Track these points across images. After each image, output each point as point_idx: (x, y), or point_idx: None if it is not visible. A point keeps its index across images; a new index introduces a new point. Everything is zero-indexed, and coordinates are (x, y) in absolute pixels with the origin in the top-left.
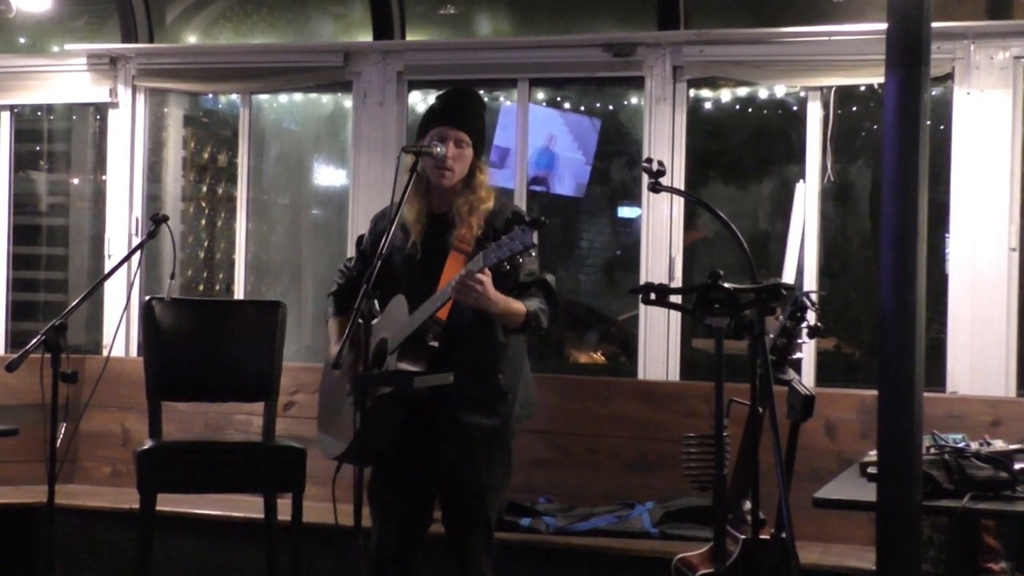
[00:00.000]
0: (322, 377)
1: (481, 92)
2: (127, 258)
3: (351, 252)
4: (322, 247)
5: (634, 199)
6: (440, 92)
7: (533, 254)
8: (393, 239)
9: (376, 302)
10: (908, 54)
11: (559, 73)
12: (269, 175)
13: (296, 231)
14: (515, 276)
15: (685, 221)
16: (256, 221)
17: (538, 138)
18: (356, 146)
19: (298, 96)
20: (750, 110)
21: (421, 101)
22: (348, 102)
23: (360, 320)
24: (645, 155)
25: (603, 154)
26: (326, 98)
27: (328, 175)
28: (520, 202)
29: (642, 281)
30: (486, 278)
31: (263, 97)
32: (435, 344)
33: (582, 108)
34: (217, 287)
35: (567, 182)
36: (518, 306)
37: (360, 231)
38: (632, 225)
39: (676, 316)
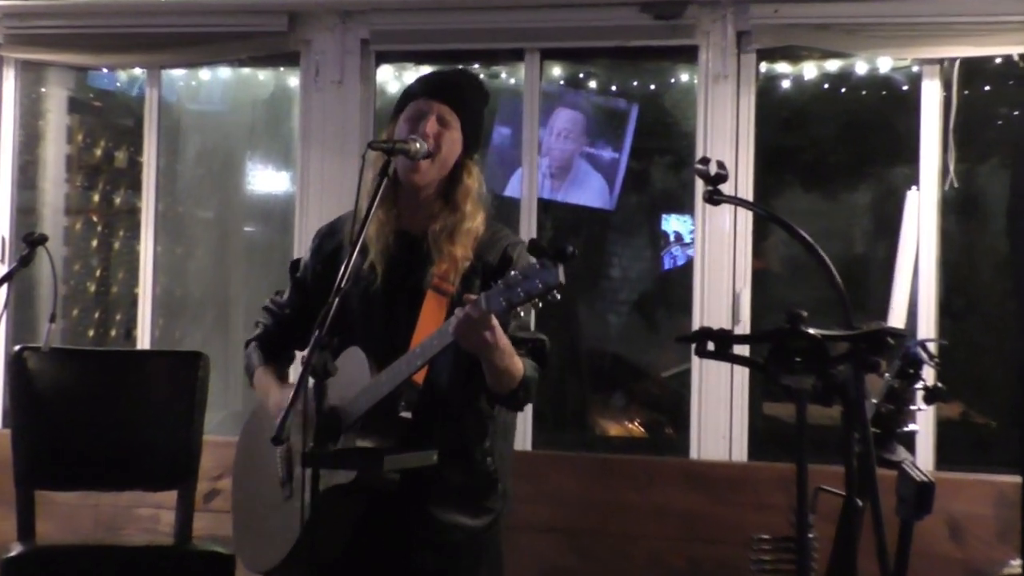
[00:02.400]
0: (239, 457)
1: (476, 67)
2: None
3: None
4: (258, 277)
5: (683, 212)
6: (423, 74)
7: (559, 296)
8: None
9: (329, 357)
10: None
11: (580, 41)
12: (186, 179)
13: (223, 255)
14: (508, 324)
15: (754, 243)
16: (168, 242)
17: (552, 129)
18: (305, 141)
19: (226, 73)
20: (842, 91)
21: (394, 79)
22: (294, 81)
23: (312, 378)
24: (699, 153)
25: (641, 151)
26: (264, 75)
27: (267, 180)
28: (528, 216)
29: (695, 325)
30: (496, 324)
31: (177, 74)
32: (407, 415)
33: (612, 88)
34: (114, 332)
35: (591, 189)
36: (519, 365)
37: (300, 251)
38: (680, 248)
39: (742, 373)
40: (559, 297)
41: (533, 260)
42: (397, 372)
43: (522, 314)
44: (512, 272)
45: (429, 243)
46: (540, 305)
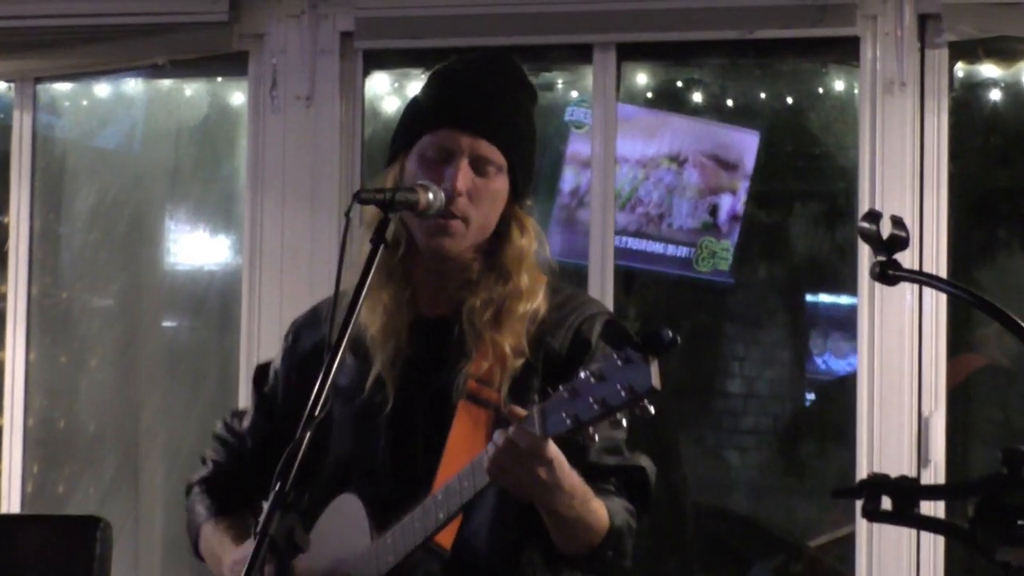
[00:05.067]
0: None
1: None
2: None
3: (243, 400)
4: (185, 398)
5: (840, 290)
6: (439, 67)
7: (652, 410)
8: (338, 376)
9: (298, 522)
10: None
11: (678, 32)
12: (74, 249)
13: (131, 365)
14: (582, 447)
15: (950, 337)
16: (46, 345)
17: (636, 160)
18: (256, 189)
19: (135, 87)
20: None
21: (391, 92)
22: (239, 97)
23: (272, 552)
24: (863, 203)
25: (771, 197)
26: (193, 90)
27: (198, 249)
28: (603, 286)
29: (860, 469)
30: (556, 453)
31: (60, 90)
32: None
33: (727, 104)
34: None
35: (693, 247)
36: (598, 510)
37: (263, 354)
38: (835, 344)
39: (935, 543)
40: (652, 411)
41: (612, 352)
42: (411, 531)
43: (613, 432)
44: (581, 372)
45: (464, 327)
46: (624, 423)
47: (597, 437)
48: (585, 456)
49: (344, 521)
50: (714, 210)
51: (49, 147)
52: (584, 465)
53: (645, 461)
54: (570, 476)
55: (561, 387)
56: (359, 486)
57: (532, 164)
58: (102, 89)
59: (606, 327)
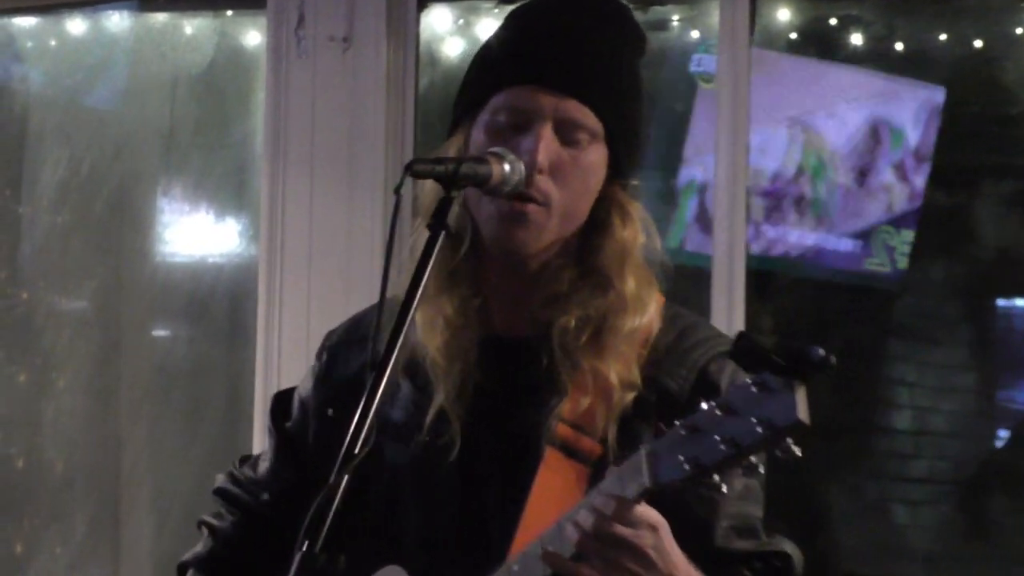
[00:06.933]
0: None
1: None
2: None
3: (258, 436)
4: (178, 429)
5: None
6: (516, 5)
7: (797, 451)
8: (388, 408)
9: None
10: None
11: None
12: (38, 236)
13: (110, 386)
14: (706, 522)
15: None
16: (1, 360)
17: (776, 122)
18: (275, 157)
19: (117, 22)
20: None
21: (454, 34)
22: (254, 38)
23: None
24: None
25: (954, 172)
26: (195, 28)
27: (198, 235)
28: (731, 289)
29: None
30: (660, 521)
31: (23, 25)
32: None
33: (896, 48)
34: None
35: (849, 242)
36: None
37: (285, 377)
38: None
39: None
40: (798, 453)
41: (746, 378)
42: None
43: (725, 487)
44: (704, 404)
45: (555, 354)
46: (761, 470)
47: (725, 488)
48: (709, 538)
49: None
50: (871, 197)
51: (6, 102)
52: (708, 551)
53: (789, 546)
54: (677, 554)
55: (677, 423)
56: (411, 553)
57: (639, 131)
58: (76, 26)
59: (740, 342)
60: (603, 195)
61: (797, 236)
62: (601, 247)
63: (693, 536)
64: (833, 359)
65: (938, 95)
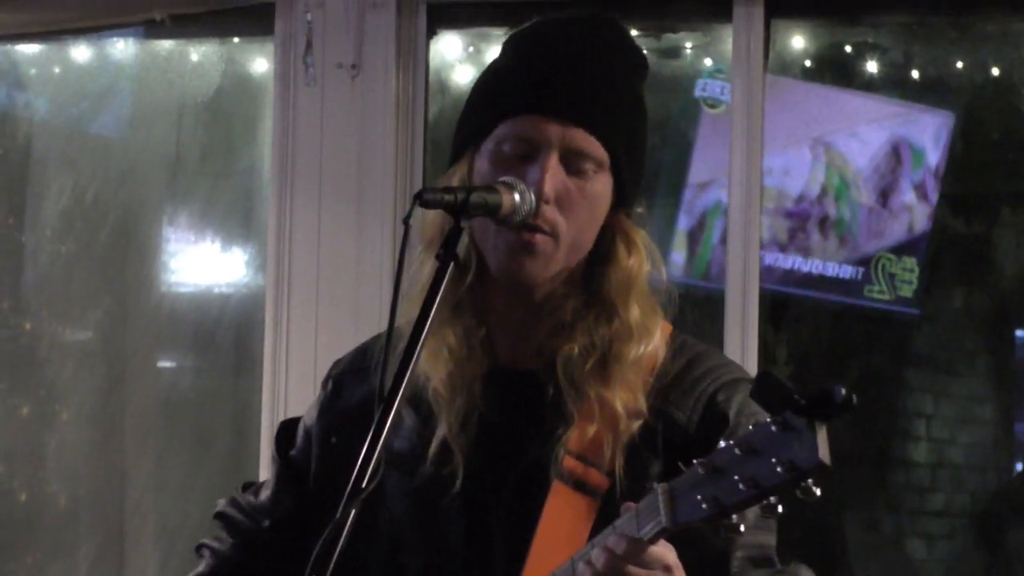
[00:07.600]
0: None
1: (635, 34)
2: None
3: (264, 466)
4: (184, 461)
5: None
6: (518, 31)
7: (818, 492)
8: (392, 438)
9: None
10: None
11: None
12: (41, 266)
13: (114, 419)
14: (722, 554)
15: None
16: (1, 388)
17: (789, 149)
18: (283, 184)
19: (122, 49)
20: None
21: (464, 61)
22: (262, 65)
23: None
24: None
25: (965, 198)
26: (201, 55)
27: (204, 265)
28: (744, 317)
29: None
30: (674, 562)
31: (27, 52)
32: None
33: (911, 76)
34: None
35: (856, 263)
36: None
37: (291, 407)
38: None
39: None
40: (818, 493)
41: (765, 417)
42: None
43: (743, 527)
44: (723, 443)
45: (560, 384)
46: (780, 510)
47: (743, 528)
48: (724, 570)
49: None
50: (893, 217)
51: (10, 129)
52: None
53: (805, 572)
54: None
55: (696, 462)
56: None
57: (643, 158)
58: (81, 53)
59: (760, 381)
60: (608, 223)
61: (808, 265)
62: (606, 276)
63: (708, 568)
64: (855, 399)
65: (949, 121)
